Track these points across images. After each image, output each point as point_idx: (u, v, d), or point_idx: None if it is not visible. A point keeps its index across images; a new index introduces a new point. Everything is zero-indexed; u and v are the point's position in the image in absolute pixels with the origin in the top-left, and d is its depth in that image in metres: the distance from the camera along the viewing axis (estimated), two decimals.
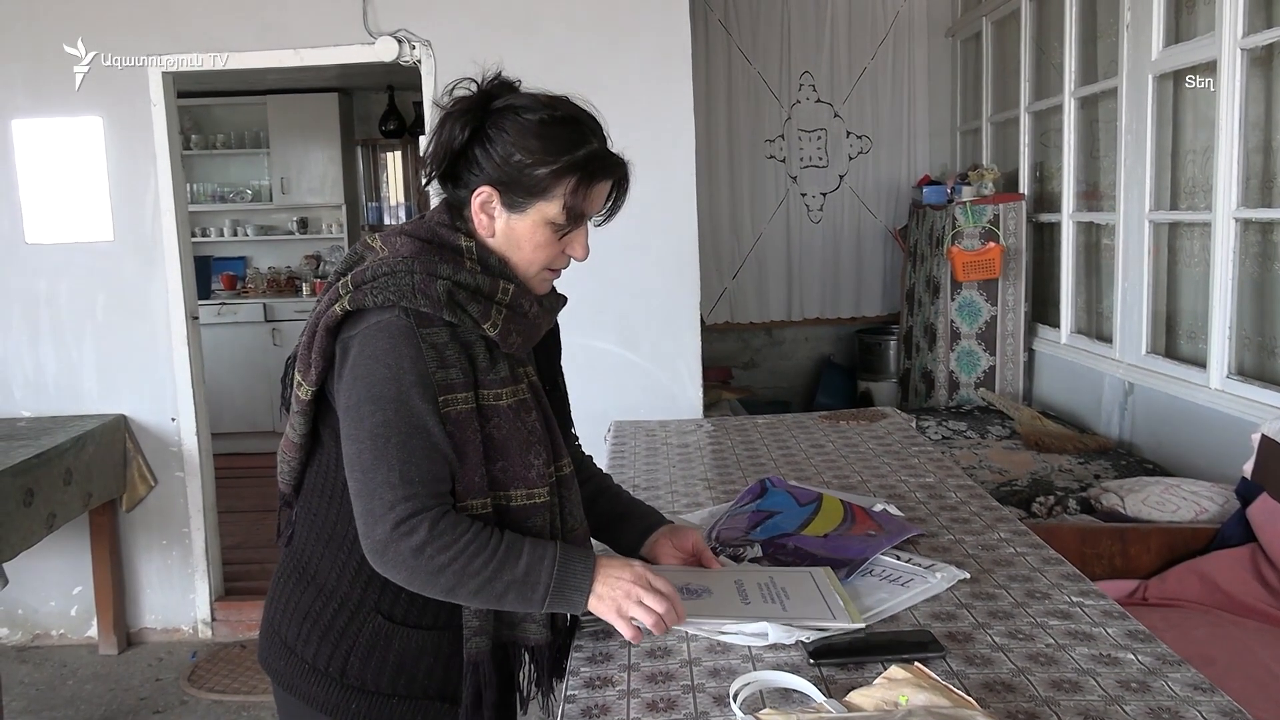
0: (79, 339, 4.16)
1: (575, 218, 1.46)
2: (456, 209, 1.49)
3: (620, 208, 1.56)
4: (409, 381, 1.38)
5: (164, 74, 4.02)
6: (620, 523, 1.76)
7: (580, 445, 1.85)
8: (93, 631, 4.32)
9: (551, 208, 1.45)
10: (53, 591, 4.32)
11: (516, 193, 1.44)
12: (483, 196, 1.46)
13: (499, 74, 1.49)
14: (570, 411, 1.76)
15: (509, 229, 1.47)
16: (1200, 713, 1.30)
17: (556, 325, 1.71)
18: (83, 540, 4.20)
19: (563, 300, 1.62)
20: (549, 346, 1.69)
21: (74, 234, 4.11)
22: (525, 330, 1.48)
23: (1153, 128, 3.82)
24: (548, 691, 1.59)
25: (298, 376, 1.49)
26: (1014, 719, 1.27)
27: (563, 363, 1.78)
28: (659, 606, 1.47)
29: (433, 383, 1.39)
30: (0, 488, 3.22)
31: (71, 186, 4.10)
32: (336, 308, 1.42)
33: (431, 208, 1.55)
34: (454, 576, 1.39)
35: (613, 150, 1.52)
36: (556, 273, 1.54)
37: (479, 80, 1.47)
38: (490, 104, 1.45)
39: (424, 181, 1.52)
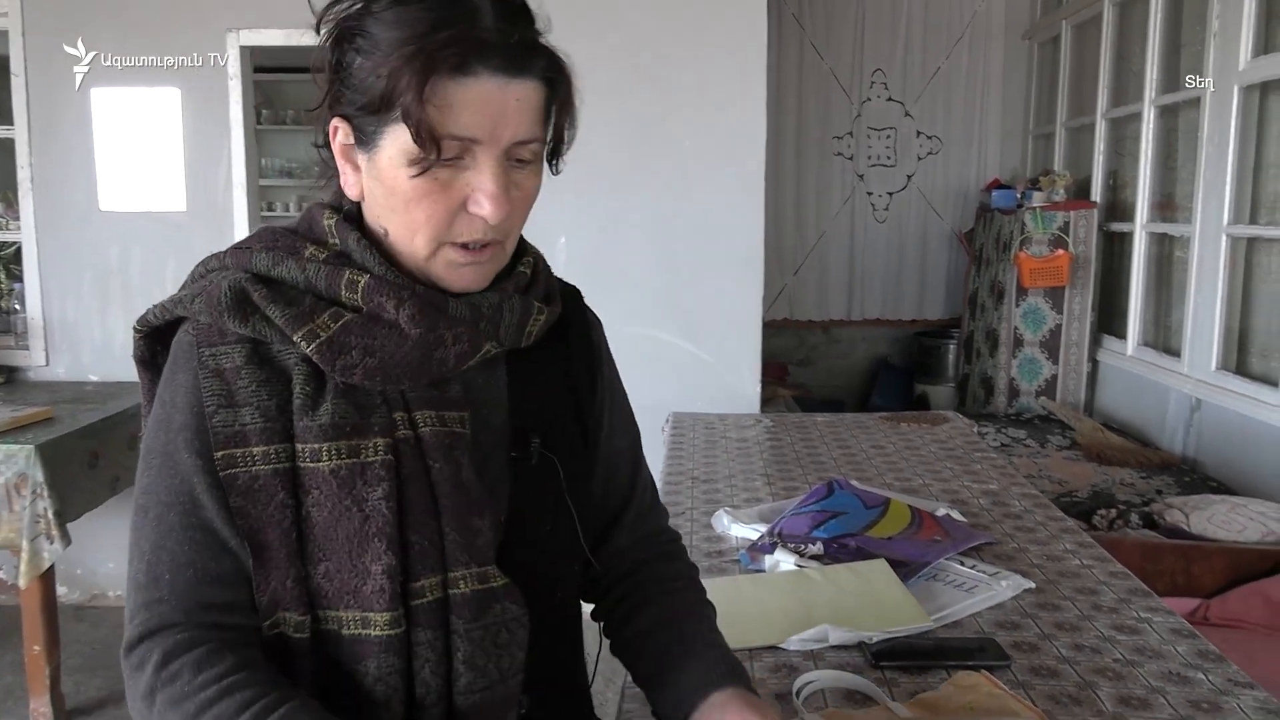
0: (148, 307, 4.23)
1: (425, 135, 0.88)
2: None
3: (567, 122, 0.98)
4: (176, 427, 0.94)
5: (242, 47, 4.08)
6: (667, 673, 1.09)
7: (670, 538, 1.27)
8: None
9: (403, 130, 0.90)
10: (111, 553, 4.41)
11: (364, 118, 0.93)
12: (338, 136, 0.97)
13: None
14: (642, 488, 1.22)
15: (372, 179, 0.96)
16: None
17: (582, 354, 1.14)
18: None
19: (521, 308, 1.02)
20: (544, 381, 1.09)
21: (148, 203, 4.18)
22: (389, 348, 0.94)
23: (1236, 139, 3.74)
24: None
25: None
26: None
27: (615, 378, 1.19)
28: None
29: (207, 429, 0.92)
30: (67, 449, 3.29)
31: (148, 156, 4.17)
32: (135, 327, 1.04)
33: None
34: None
35: (513, 27, 0.93)
36: (477, 252, 0.96)
37: None
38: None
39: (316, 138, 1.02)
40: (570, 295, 1.16)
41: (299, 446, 0.93)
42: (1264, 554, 2.73)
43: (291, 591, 0.92)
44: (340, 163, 0.98)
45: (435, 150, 0.90)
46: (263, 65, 7.07)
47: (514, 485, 1.03)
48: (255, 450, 0.92)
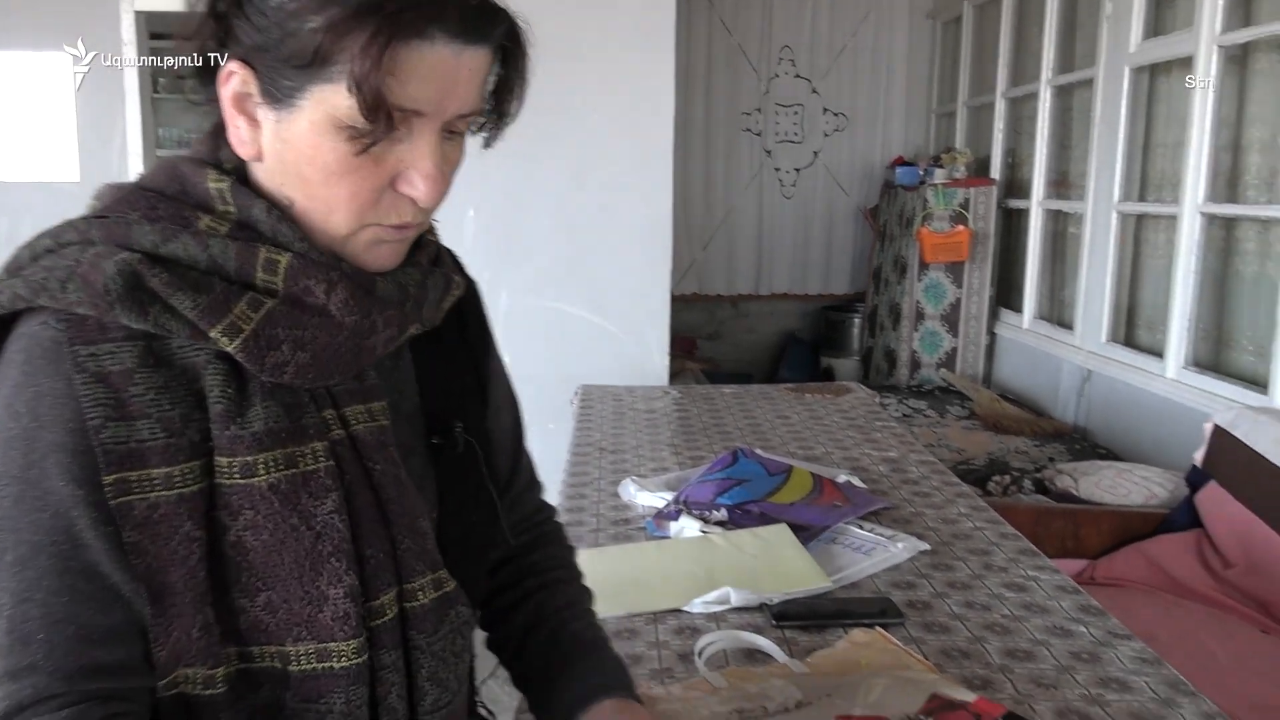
0: None
1: (375, 108, 0.75)
2: (223, 128, 0.84)
3: (515, 96, 0.87)
4: (44, 446, 0.75)
5: (137, 12, 3.96)
6: (554, 680, 1.03)
7: (550, 516, 1.20)
8: None
9: (336, 93, 0.76)
10: None
11: (279, 70, 0.77)
12: (232, 83, 0.80)
13: None
14: (524, 467, 1.13)
15: (281, 141, 0.80)
16: (1146, 683, 1.36)
17: (477, 324, 1.04)
18: None
19: (442, 284, 0.93)
20: (451, 361, 1.00)
21: (40, 173, 4.05)
22: (322, 339, 0.81)
23: (1126, 120, 3.87)
24: None
25: None
26: (970, 684, 1.31)
27: (501, 353, 1.08)
28: None
29: (92, 448, 0.75)
30: None
31: (39, 124, 4.03)
32: None
33: None
34: None
35: None
36: (401, 230, 0.84)
37: None
38: None
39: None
40: (456, 261, 1.03)
41: (222, 461, 0.78)
42: (1146, 516, 2.86)
43: (198, 642, 0.77)
44: (230, 112, 0.81)
45: (386, 125, 0.76)
46: (160, 32, 6.90)
47: (439, 476, 0.95)
48: (155, 473, 0.75)
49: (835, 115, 6.09)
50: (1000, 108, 5.06)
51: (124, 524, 0.74)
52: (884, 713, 1.13)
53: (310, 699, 0.81)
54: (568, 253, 3.84)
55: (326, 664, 0.80)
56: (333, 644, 0.80)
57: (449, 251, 1.00)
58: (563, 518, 1.96)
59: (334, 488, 0.81)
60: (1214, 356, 3.44)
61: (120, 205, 0.82)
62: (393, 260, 0.85)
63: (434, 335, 0.94)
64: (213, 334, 0.77)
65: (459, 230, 3.71)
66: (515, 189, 3.78)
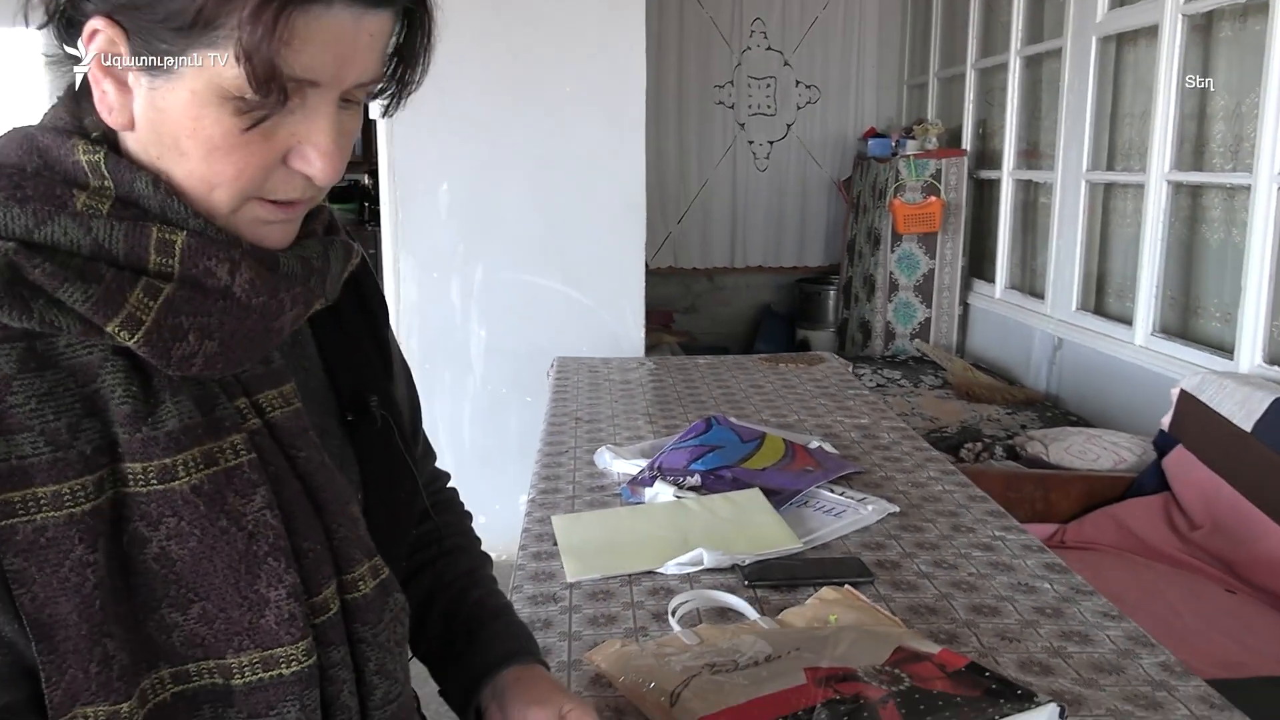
0: None
1: (267, 80, 0.67)
2: (85, 90, 0.75)
3: (420, 62, 0.79)
4: None
5: None
6: (458, 651, 1.01)
7: (453, 492, 1.17)
8: None
9: (221, 61, 0.67)
10: None
11: (154, 32, 0.67)
12: (97, 41, 0.69)
13: None
14: (421, 434, 1.08)
15: (156, 110, 0.70)
16: (1108, 636, 1.39)
17: (372, 290, 0.98)
18: None
19: (343, 253, 0.84)
20: (351, 333, 0.94)
21: None
22: (229, 325, 0.73)
23: (1094, 89, 3.91)
24: None
25: None
26: (936, 639, 1.34)
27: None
28: None
29: None
30: None
31: None
32: None
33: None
34: None
35: None
36: (287, 207, 0.76)
37: None
38: None
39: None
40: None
41: (135, 468, 0.69)
42: (1115, 481, 2.91)
43: (97, 678, 0.67)
44: (97, 76, 0.70)
45: (280, 97, 0.68)
46: None
47: (359, 455, 0.89)
48: (42, 491, 0.66)
49: (808, 88, 6.10)
50: (971, 79, 5.08)
51: (5, 551, 0.65)
52: (851, 664, 1.16)
53: (259, 713, 0.73)
54: (542, 226, 3.84)
55: (274, 671, 0.73)
56: (279, 649, 0.73)
57: (336, 214, 0.90)
58: (540, 486, 1.99)
59: (260, 482, 0.74)
60: (1181, 323, 3.49)
61: None
62: (281, 242, 0.77)
63: (330, 307, 0.85)
64: (109, 328, 0.68)
65: (433, 204, 3.72)
66: (488, 162, 3.78)
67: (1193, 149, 3.41)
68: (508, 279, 3.83)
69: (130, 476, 0.69)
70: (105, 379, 0.69)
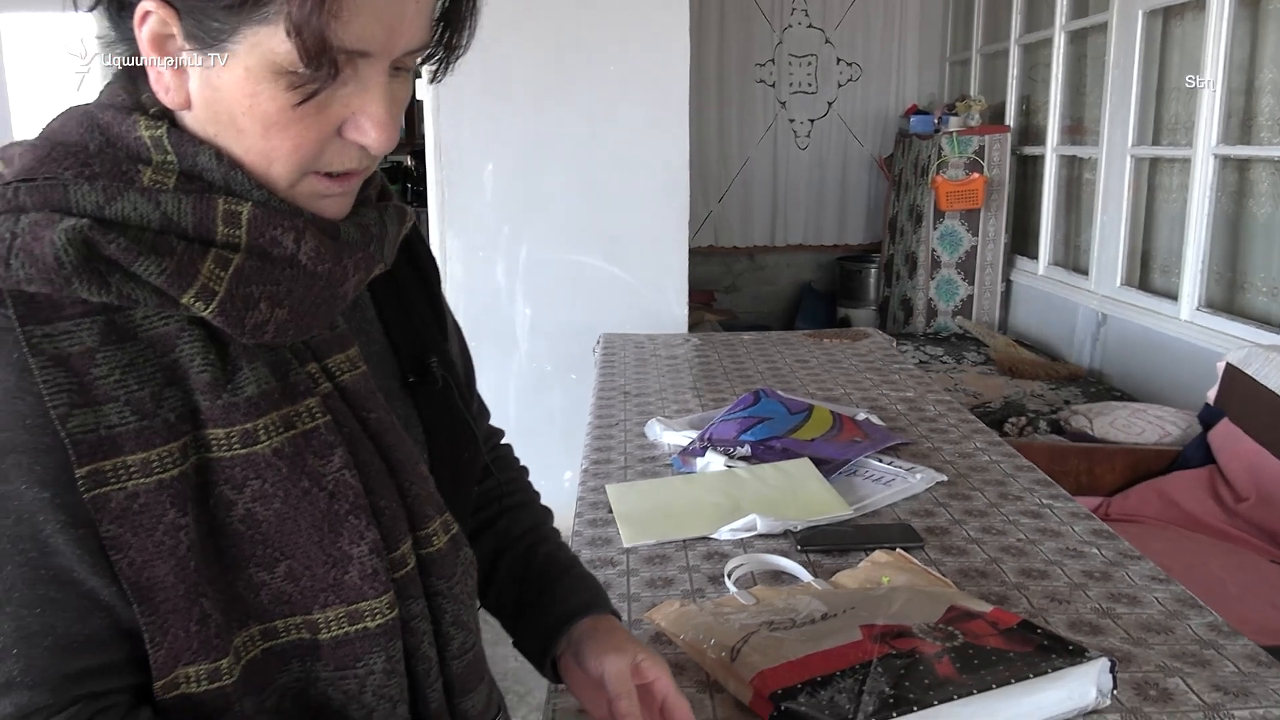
0: None
1: (319, 53, 0.68)
2: (140, 68, 0.75)
3: (467, 25, 0.80)
4: None
5: None
6: (531, 604, 1.03)
7: (508, 448, 1.18)
8: None
9: (273, 36, 0.68)
10: None
11: (205, 10, 0.69)
12: (150, 23, 0.70)
13: None
14: (472, 391, 1.06)
15: (211, 89, 0.72)
16: (1156, 598, 1.42)
17: (425, 253, 1.00)
18: None
19: (398, 217, 0.87)
20: (408, 296, 0.96)
21: None
22: (297, 292, 0.75)
23: (1140, 64, 3.89)
24: None
25: None
26: (986, 598, 1.38)
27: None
28: None
29: (57, 443, 0.67)
30: None
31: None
32: None
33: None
34: None
35: None
36: (344, 180, 0.77)
37: None
38: None
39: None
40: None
41: (218, 433, 0.71)
42: (1160, 454, 2.92)
43: (197, 637, 0.70)
44: (151, 56, 0.71)
45: (331, 71, 0.69)
46: None
47: (422, 416, 0.92)
48: (131, 459, 0.68)
49: (849, 65, 6.09)
50: (1014, 54, 5.06)
51: (101, 518, 0.67)
52: (905, 622, 1.20)
53: (346, 665, 0.76)
54: (586, 205, 3.88)
55: (359, 625, 0.76)
56: (363, 604, 0.76)
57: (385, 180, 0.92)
58: (592, 457, 2.04)
59: (337, 443, 0.76)
60: (1227, 298, 3.48)
61: (45, 165, 0.71)
62: (339, 213, 0.79)
63: (387, 272, 0.87)
64: (184, 300, 0.70)
65: (478, 185, 3.77)
66: (532, 142, 3.82)
67: (1240, 123, 3.39)
68: (552, 258, 3.88)
69: (213, 442, 0.72)
70: (183, 349, 0.71)
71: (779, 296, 6.47)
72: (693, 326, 4.42)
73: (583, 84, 3.81)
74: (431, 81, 0.84)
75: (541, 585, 1.03)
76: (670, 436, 2.11)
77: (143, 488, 0.68)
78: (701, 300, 5.86)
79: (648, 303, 3.98)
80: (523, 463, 1.19)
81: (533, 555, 1.06)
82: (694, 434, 2.08)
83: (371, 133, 0.74)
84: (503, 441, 1.19)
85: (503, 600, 1.05)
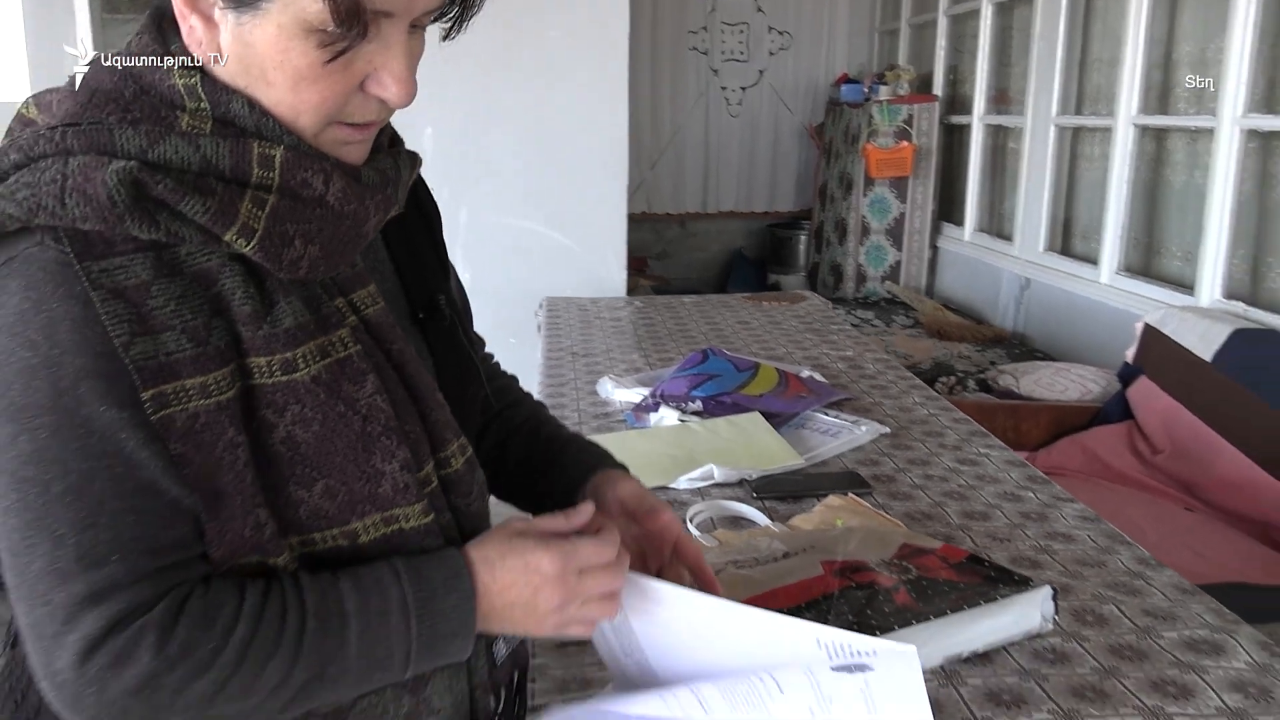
0: None
1: (351, 13, 0.73)
2: (169, 20, 0.80)
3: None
4: (73, 373, 0.72)
5: None
6: (544, 472, 1.08)
7: (496, 364, 1.21)
8: None
9: None
10: None
11: None
12: None
13: None
14: (471, 326, 1.10)
15: (243, 45, 0.77)
16: (1088, 536, 1.53)
17: (427, 196, 1.06)
18: None
19: (409, 163, 0.93)
20: (415, 237, 1.02)
21: None
22: (327, 231, 0.80)
23: (1064, 35, 4.01)
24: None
25: None
26: (934, 537, 1.46)
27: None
28: (611, 584, 0.87)
29: (125, 368, 0.72)
30: None
31: None
32: None
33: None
34: (230, 708, 0.76)
35: None
36: (363, 129, 0.83)
37: None
38: None
39: None
40: None
41: (260, 361, 0.77)
42: (1082, 410, 3.06)
43: (251, 540, 0.76)
44: (184, 11, 0.77)
45: (361, 31, 0.74)
46: None
47: (432, 350, 0.97)
48: (190, 383, 0.73)
49: (780, 34, 6.16)
50: (943, 25, 5.17)
51: (168, 438, 0.73)
52: (863, 558, 1.28)
53: (387, 556, 0.81)
54: (526, 169, 3.90)
55: (395, 526, 0.81)
56: (397, 509, 0.81)
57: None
58: None
59: (369, 370, 0.81)
60: (1145, 262, 3.64)
61: (88, 110, 0.76)
62: (358, 159, 0.84)
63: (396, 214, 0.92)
64: (227, 237, 0.75)
65: (418, 148, 3.74)
66: (473, 106, 3.82)
67: (1158, 94, 3.53)
68: (492, 222, 3.89)
69: (255, 370, 0.76)
70: (225, 283, 0.76)
71: (710, 263, 6.55)
72: (628, 292, 4.48)
73: (525, 50, 3.82)
74: (444, 39, 0.89)
75: (549, 458, 1.08)
76: (622, 394, 2.17)
77: (203, 408, 0.74)
78: (635, 266, 5.89)
79: (589, 267, 4.02)
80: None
81: (536, 436, 1.11)
82: (645, 391, 2.14)
83: (393, 88, 0.79)
84: (497, 364, 1.24)
85: (514, 482, 1.09)
